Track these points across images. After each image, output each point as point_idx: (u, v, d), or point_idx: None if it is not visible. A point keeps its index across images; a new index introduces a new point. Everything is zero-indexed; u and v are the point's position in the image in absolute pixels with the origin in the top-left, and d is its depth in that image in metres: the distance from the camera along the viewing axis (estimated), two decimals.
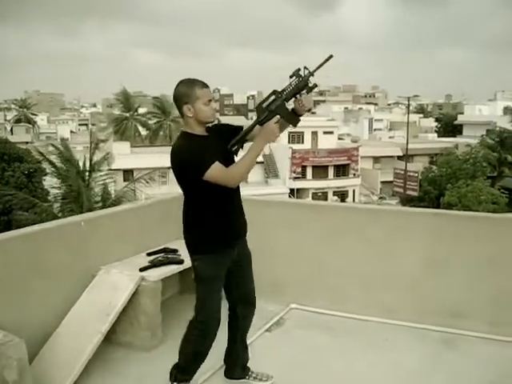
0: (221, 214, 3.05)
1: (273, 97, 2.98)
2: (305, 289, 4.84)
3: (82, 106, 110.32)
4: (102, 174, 17.86)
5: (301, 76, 2.93)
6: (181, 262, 4.33)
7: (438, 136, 58.95)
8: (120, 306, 3.78)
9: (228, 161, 3.00)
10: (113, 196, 18.05)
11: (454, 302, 4.34)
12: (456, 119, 62.69)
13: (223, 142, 3.04)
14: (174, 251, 4.56)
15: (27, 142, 42.70)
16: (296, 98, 2.97)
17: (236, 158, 3.09)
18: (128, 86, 49.29)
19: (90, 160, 17.13)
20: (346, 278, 4.68)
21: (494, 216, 4.81)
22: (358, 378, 3.69)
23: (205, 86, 2.97)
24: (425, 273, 4.44)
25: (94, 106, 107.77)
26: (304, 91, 2.96)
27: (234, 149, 3.01)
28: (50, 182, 19.27)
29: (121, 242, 4.47)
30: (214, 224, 3.05)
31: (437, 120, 72.21)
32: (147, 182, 18.26)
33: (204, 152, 2.88)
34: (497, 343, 4.10)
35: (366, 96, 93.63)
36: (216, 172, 2.87)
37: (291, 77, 2.95)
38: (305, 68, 2.93)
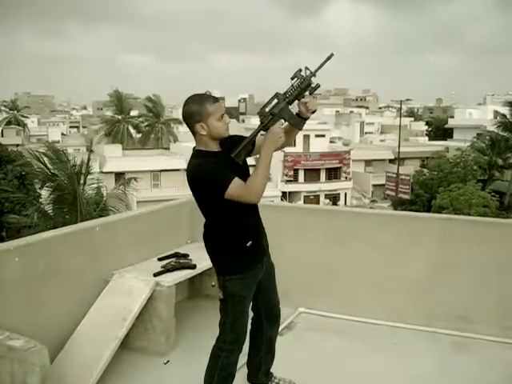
0: (247, 232, 3.00)
1: (275, 100, 2.88)
2: (313, 292, 4.87)
3: (73, 109, 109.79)
4: (93, 177, 17.81)
5: (303, 77, 2.84)
6: (193, 266, 4.35)
7: (429, 139, 59.35)
8: (136, 311, 3.79)
9: (245, 174, 2.91)
10: (104, 199, 17.99)
11: (463, 306, 4.39)
12: (446, 123, 63.10)
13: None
14: (185, 256, 4.58)
15: (18, 145, 42.40)
16: (299, 99, 2.89)
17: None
18: (118, 89, 49.15)
19: (88, 160, 17.04)
20: (354, 281, 4.71)
21: (502, 221, 4.88)
22: (370, 381, 3.72)
23: (215, 100, 2.88)
24: (434, 277, 4.49)
25: (85, 108, 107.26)
26: (307, 92, 2.88)
27: (239, 157, 2.89)
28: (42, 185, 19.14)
29: (133, 246, 4.49)
30: (243, 244, 2.98)
31: (427, 123, 72.65)
32: (135, 180, 18.23)
33: (222, 169, 2.79)
34: (508, 346, 4.15)
35: (357, 99, 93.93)
36: (237, 189, 2.78)
37: (292, 78, 2.85)
38: (306, 68, 2.85)
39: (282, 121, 2.89)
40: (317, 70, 2.87)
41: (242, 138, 2.98)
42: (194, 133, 2.91)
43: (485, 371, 3.85)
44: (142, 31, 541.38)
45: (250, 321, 3.30)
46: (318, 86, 2.88)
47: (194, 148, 2.98)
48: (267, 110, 2.89)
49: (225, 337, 3.10)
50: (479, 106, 71.86)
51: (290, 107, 2.91)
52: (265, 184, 2.86)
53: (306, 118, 2.96)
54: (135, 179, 19.13)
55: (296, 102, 2.91)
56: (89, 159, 17.18)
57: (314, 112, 2.94)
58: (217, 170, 2.79)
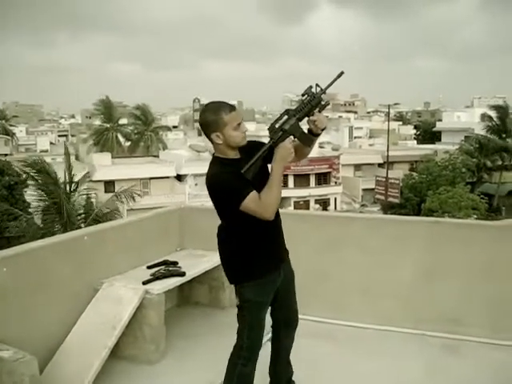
0: (264, 239, 2.96)
1: (286, 116, 2.88)
2: (305, 298, 4.86)
3: (61, 117, 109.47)
4: (83, 187, 17.75)
5: (313, 94, 2.85)
6: (182, 274, 4.34)
7: (418, 143, 59.67)
8: (125, 320, 3.78)
9: (264, 180, 2.87)
10: (95, 208, 17.92)
11: (453, 308, 4.41)
12: (435, 126, 63.48)
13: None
14: (175, 263, 4.57)
15: (6, 154, 42.21)
16: (309, 116, 2.89)
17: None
18: (108, 97, 49.10)
19: (70, 172, 16.96)
20: (345, 286, 4.72)
21: (489, 223, 4.91)
22: None
23: (232, 109, 2.85)
24: (423, 280, 4.51)
25: (73, 117, 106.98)
26: (317, 109, 2.88)
27: (248, 174, 2.82)
28: (32, 196, 19.05)
29: (122, 255, 4.48)
30: (259, 250, 2.96)
31: (416, 127, 73.08)
32: (132, 198, 18.04)
33: (240, 180, 2.78)
34: (498, 348, 4.17)
35: (345, 104, 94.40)
36: (253, 204, 2.77)
37: (303, 95, 2.87)
38: (316, 85, 2.87)
39: (292, 137, 2.89)
40: (327, 88, 2.90)
41: (261, 145, 2.96)
42: (211, 141, 2.91)
43: (475, 373, 3.87)
44: (132, 39, 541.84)
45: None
46: (327, 103, 2.91)
47: (214, 154, 2.99)
48: (277, 125, 2.89)
49: (241, 343, 3.07)
50: (467, 108, 72.42)
51: (300, 124, 2.91)
52: (278, 199, 2.85)
53: (316, 135, 2.95)
54: (130, 194, 18.79)
55: (306, 118, 2.92)
56: (70, 170, 17.02)
57: (323, 129, 2.93)
58: (235, 182, 2.78)
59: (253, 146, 2.96)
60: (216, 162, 2.93)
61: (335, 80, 2.92)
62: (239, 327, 3.09)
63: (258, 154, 2.88)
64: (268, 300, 3.08)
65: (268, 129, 2.90)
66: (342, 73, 2.93)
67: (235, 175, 2.79)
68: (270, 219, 2.85)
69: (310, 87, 2.87)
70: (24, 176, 18.91)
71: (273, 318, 3.28)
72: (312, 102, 2.87)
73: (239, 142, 2.90)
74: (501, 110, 41.27)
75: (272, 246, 3.03)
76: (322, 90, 2.87)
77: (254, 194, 2.79)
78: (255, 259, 2.97)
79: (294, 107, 2.94)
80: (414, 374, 3.85)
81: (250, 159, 2.85)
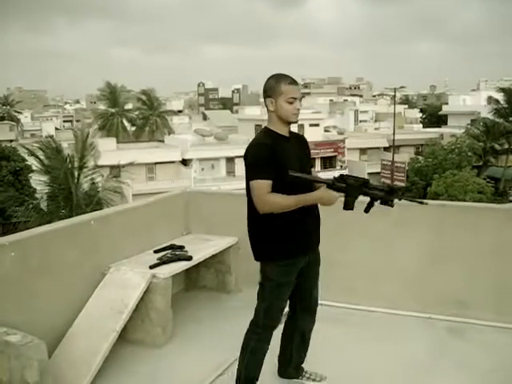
0: (291, 220, 2.93)
1: (362, 180, 2.93)
2: None
3: (66, 103, 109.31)
4: (89, 170, 17.78)
5: (393, 193, 2.91)
6: (189, 258, 4.35)
7: (423, 127, 59.29)
8: (133, 304, 3.81)
9: (303, 167, 2.95)
10: (100, 193, 17.98)
11: (458, 292, 4.41)
12: (441, 110, 63.05)
13: (302, 151, 3.07)
14: (181, 248, 4.58)
15: (11, 140, 42.22)
16: (372, 199, 2.94)
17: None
18: (110, 82, 48.93)
19: (82, 157, 17.00)
20: (351, 271, 4.73)
21: (495, 206, 4.90)
22: (367, 368, 3.75)
23: (293, 82, 2.92)
24: (429, 263, 4.51)
25: (78, 102, 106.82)
26: (378, 201, 2.94)
27: (291, 176, 2.84)
28: (37, 180, 19.12)
29: (128, 239, 4.50)
30: (289, 232, 2.96)
31: (421, 111, 72.59)
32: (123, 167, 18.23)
33: (269, 161, 2.82)
34: (503, 331, 4.18)
35: (350, 88, 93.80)
36: (258, 189, 2.82)
37: (389, 186, 2.93)
38: (402, 192, 2.93)
39: (340, 194, 2.92)
40: (405, 199, 2.94)
41: (309, 151, 3.16)
42: (266, 107, 2.97)
43: (480, 356, 3.88)
44: (130, 24, 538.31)
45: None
46: (390, 205, 2.93)
47: (265, 126, 3.05)
48: (349, 178, 2.92)
49: (258, 321, 3.10)
50: (473, 92, 71.84)
51: (358, 192, 2.93)
52: (280, 209, 2.86)
53: (347, 209, 2.96)
54: (123, 166, 19.07)
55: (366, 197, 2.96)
56: (82, 155, 17.07)
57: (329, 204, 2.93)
58: (263, 160, 2.84)
59: (305, 143, 3.15)
60: (263, 131, 3.00)
61: (415, 201, 3.02)
62: (257, 304, 3.11)
63: (311, 176, 2.97)
64: (290, 282, 3.08)
65: (340, 175, 2.94)
66: (423, 203, 3.05)
67: (270, 153, 2.85)
68: (259, 211, 2.87)
69: (399, 188, 2.96)
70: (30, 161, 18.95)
71: (290, 302, 3.29)
72: (383, 196, 2.91)
73: (289, 117, 2.94)
74: (508, 92, 40.87)
75: (304, 232, 3.04)
76: (399, 196, 2.91)
77: (268, 183, 2.82)
78: (283, 240, 2.97)
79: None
80: (420, 357, 3.88)
81: (299, 146, 3.02)
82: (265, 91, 2.94)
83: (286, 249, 2.99)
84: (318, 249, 3.25)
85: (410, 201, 3.00)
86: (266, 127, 3.00)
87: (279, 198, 2.84)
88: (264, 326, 3.09)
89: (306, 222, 3.04)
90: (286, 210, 2.86)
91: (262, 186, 2.82)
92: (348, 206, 2.97)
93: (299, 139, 3.13)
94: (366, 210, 3.02)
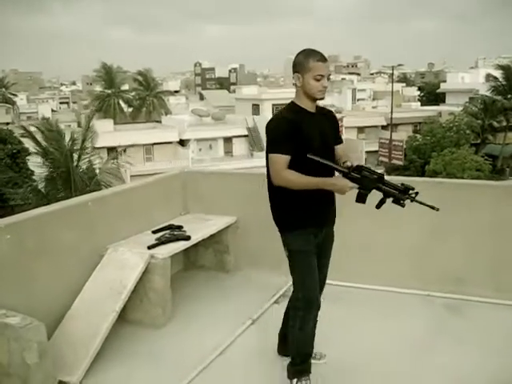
0: (311, 194, 2.96)
1: (377, 175, 2.98)
2: None
3: (62, 84, 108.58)
4: (87, 152, 17.71)
5: (407, 193, 2.97)
6: (188, 238, 4.35)
7: (422, 105, 59.03)
8: (131, 285, 3.81)
9: (326, 143, 3.02)
10: (97, 174, 17.94)
11: (457, 269, 4.42)
12: (439, 87, 62.75)
13: (328, 127, 3.09)
14: (180, 227, 4.57)
15: (8, 123, 42.00)
16: (385, 195, 3.00)
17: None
18: (106, 63, 48.56)
19: (84, 139, 16.93)
20: (349, 248, 4.70)
21: (493, 183, 4.88)
22: (367, 345, 3.77)
23: (322, 59, 2.92)
24: (427, 241, 4.51)
25: (74, 83, 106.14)
26: (390, 198, 2.99)
27: (310, 159, 2.90)
28: (35, 163, 19.04)
29: (126, 220, 4.48)
30: (305, 203, 3.01)
31: (419, 89, 72.24)
32: (124, 151, 18.17)
33: (290, 136, 2.87)
34: (501, 307, 4.20)
35: (348, 66, 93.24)
36: (276, 164, 2.88)
37: (403, 185, 2.98)
38: (415, 192, 2.98)
39: (355, 185, 2.95)
40: (417, 202, 3.01)
41: (337, 129, 3.23)
42: (294, 82, 2.99)
43: (479, 332, 3.91)
44: (126, 4, 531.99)
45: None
46: (401, 205, 3.02)
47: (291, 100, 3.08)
48: (365, 170, 2.95)
49: (297, 294, 3.15)
50: (471, 69, 71.46)
51: (372, 185, 2.99)
52: (294, 187, 2.92)
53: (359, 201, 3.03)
54: (124, 150, 19.10)
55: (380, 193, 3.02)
56: (88, 128, 16.97)
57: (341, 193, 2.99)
58: (284, 134, 2.89)
59: (334, 120, 3.22)
60: (289, 106, 3.04)
61: (426, 205, 3.04)
62: (293, 278, 3.17)
63: (330, 162, 2.97)
64: (313, 249, 3.11)
65: (358, 165, 2.97)
66: (435, 208, 3.09)
67: (290, 127, 2.89)
68: (274, 183, 2.95)
69: (413, 188, 2.99)
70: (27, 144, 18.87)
71: None
72: (397, 194, 2.98)
73: (314, 93, 2.96)
74: (507, 69, 40.65)
75: (321, 205, 3.09)
76: (411, 197, 2.98)
77: (285, 157, 2.88)
78: (302, 211, 3.03)
79: None
80: (419, 334, 3.90)
81: (326, 121, 3.09)
82: (294, 66, 2.97)
83: (305, 219, 3.05)
84: (333, 227, 3.30)
85: (422, 204, 3.03)
86: (292, 101, 3.04)
87: (294, 176, 2.90)
88: (303, 299, 3.11)
89: (324, 198, 3.09)
90: (299, 189, 2.92)
91: (280, 160, 2.89)
92: (360, 199, 3.02)
93: (326, 115, 3.17)
94: (378, 206, 3.08)
